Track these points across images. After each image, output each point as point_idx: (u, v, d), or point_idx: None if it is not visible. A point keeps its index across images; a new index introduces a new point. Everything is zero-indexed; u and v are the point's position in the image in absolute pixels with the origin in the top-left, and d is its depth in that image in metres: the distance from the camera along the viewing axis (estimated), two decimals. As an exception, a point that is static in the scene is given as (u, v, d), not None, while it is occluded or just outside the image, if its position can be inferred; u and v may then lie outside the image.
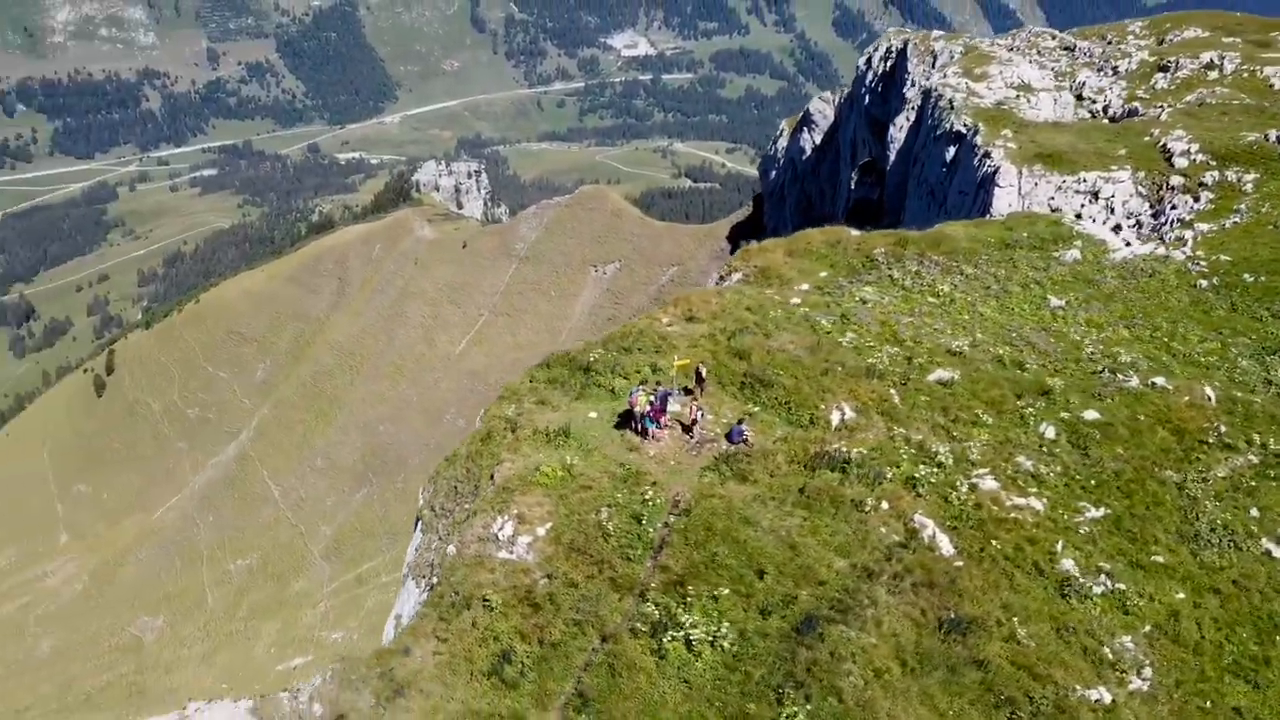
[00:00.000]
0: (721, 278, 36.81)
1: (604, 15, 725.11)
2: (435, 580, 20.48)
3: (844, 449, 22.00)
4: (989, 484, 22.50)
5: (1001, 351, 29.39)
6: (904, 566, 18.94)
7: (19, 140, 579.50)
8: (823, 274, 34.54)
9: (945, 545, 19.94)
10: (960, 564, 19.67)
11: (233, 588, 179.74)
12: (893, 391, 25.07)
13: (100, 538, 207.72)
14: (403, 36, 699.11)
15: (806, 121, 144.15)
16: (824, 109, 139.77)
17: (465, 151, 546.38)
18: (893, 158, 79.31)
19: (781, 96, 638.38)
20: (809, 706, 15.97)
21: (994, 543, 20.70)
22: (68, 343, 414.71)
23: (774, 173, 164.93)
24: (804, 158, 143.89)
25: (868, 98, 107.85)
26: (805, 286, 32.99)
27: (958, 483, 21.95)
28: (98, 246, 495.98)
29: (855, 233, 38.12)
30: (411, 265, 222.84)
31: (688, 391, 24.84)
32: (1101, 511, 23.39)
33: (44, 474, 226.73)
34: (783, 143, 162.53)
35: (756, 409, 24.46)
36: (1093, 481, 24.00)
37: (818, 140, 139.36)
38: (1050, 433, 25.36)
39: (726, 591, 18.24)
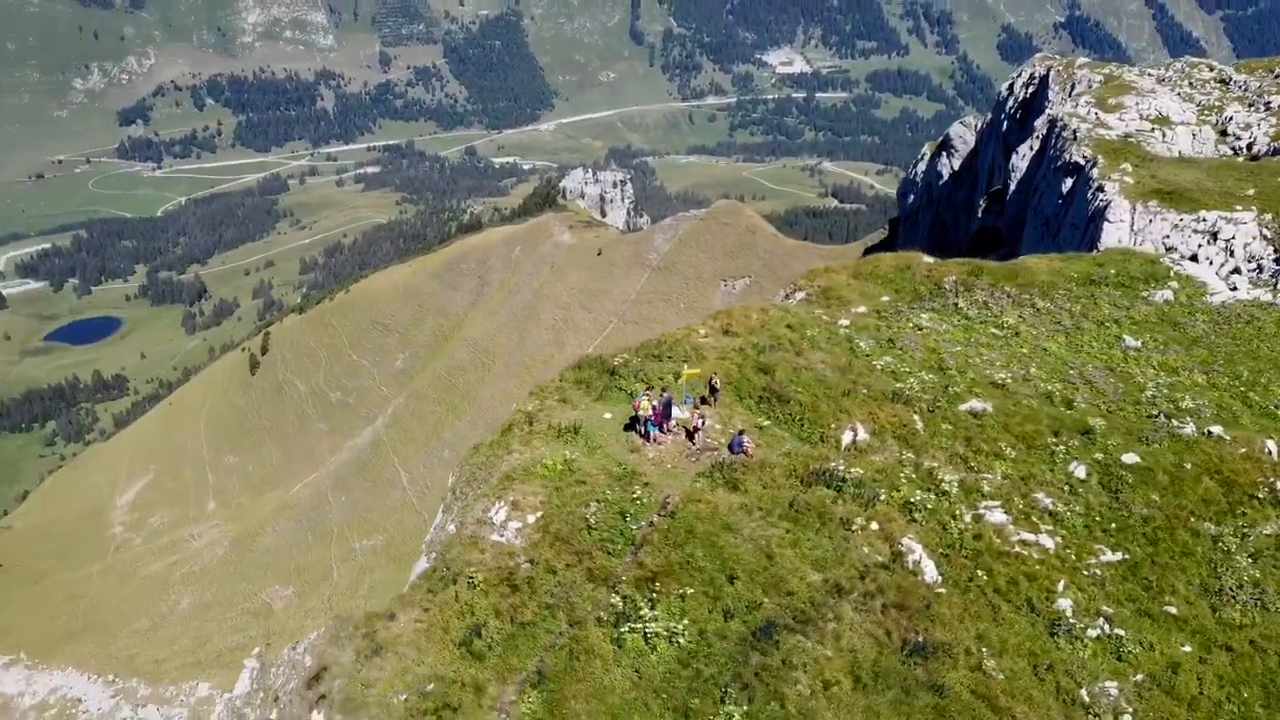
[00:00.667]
0: (786, 296, 37.20)
1: (761, 32, 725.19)
2: (435, 555, 22.00)
3: (844, 468, 22.33)
4: (996, 516, 22.40)
5: (1052, 388, 28.89)
6: (877, 586, 19.21)
7: (206, 132, 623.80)
8: (884, 298, 34.56)
9: (930, 571, 20.08)
10: (942, 590, 19.79)
11: (357, 565, 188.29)
12: (916, 417, 25.14)
13: (243, 507, 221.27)
14: (563, 46, 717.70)
15: (946, 146, 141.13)
16: (965, 134, 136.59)
17: (615, 161, 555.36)
18: (1013, 186, 77.26)
19: (938, 119, 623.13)
20: (749, 708, 16.55)
21: (985, 574, 20.68)
22: (233, 322, 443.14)
23: (911, 196, 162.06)
24: (940, 183, 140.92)
25: (1005, 124, 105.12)
26: (862, 309, 33.12)
27: (959, 512, 21.96)
28: (267, 234, 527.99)
29: (928, 259, 37.86)
30: (548, 269, 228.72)
31: (704, 401, 25.59)
32: (1119, 556, 22.91)
33: (199, 443, 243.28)
34: (922, 166, 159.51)
35: (767, 423, 24.98)
36: (1114, 525, 23.50)
37: (956, 166, 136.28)
38: (1080, 472, 24.91)
39: (693, 591, 18.98)
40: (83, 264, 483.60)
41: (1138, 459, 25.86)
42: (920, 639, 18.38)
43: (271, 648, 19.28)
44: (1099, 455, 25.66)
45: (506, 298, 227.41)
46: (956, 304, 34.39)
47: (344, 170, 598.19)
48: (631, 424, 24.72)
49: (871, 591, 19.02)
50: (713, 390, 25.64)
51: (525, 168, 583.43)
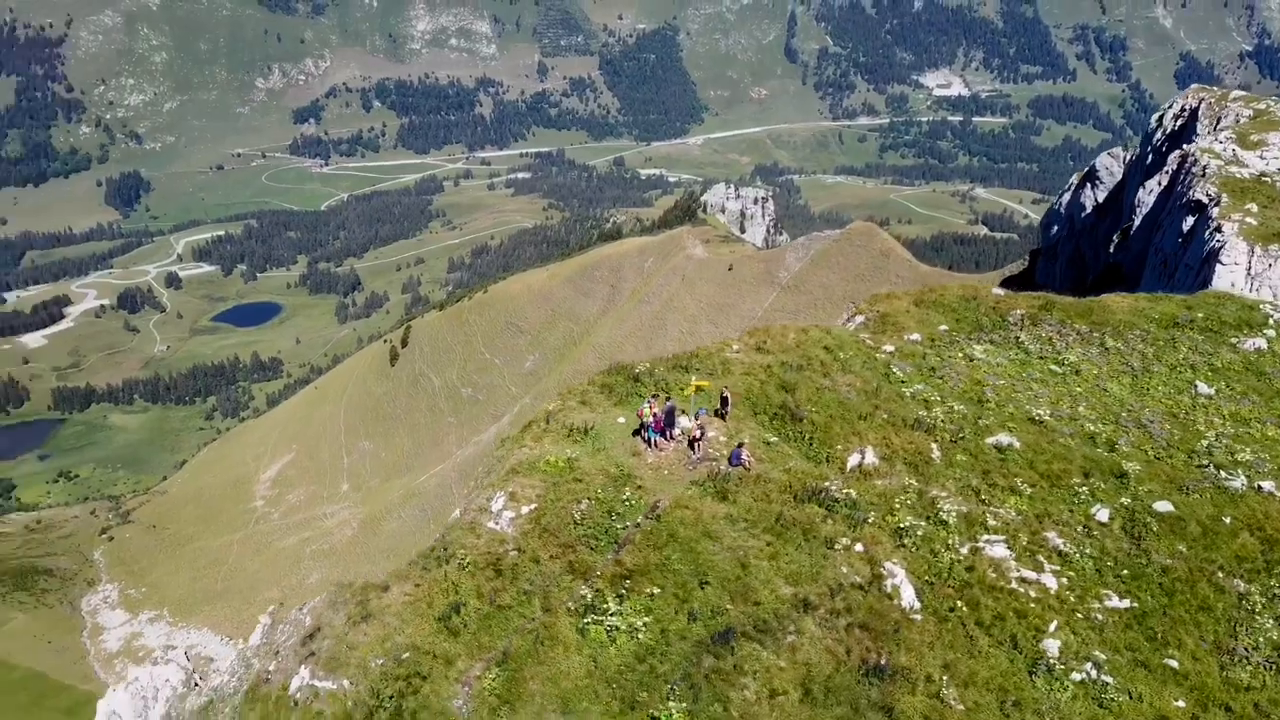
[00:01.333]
0: (847, 319, 37.23)
1: (919, 53, 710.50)
2: (438, 536, 23.49)
3: (840, 488, 22.60)
4: (997, 551, 22.26)
5: (1098, 429, 28.21)
6: (847, 605, 19.52)
7: (371, 132, 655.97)
8: (942, 327, 34.21)
9: (908, 596, 20.22)
10: (917, 617, 19.92)
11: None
12: (934, 446, 25.11)
13: (373, 491, 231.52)
14: (717, 62, 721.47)
15: (1091, 177, 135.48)
16: (1111, 165, 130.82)
17: (761, 178, 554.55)
18: (1138, 222, 74.01)
19: (1104, 148, 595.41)
20: (692, 706, 17.24)
21: (969, 606, 20.65)
22: (381, 315, 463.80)
23: (1055, 228, 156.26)
24: (1083, 215, 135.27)
25: (1150, 157, 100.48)
26: (914, 336, 32.95)
27: (954, 542, 21.94)
28: (420, 233, 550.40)
29: (998, 291, 37.21)
30: (678, 280, 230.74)
31: (717, 414, 26.21)
32: (1126, 603, 22.40)
33: (339, 427, 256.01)
34: (1067, 197, 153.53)
35: (775, 439, 25.38)
36: (1128, 572, 22.96)
37: (1100, 198, 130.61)
38: (1102, 515, 24.38)
39: (661, 592, 19.75)
40: (251, 251, 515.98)
41: (1171, 508, 25.10)
42: (881, 661, 18.63)
43: (284, 607, 21.11)
44: (1127, 500, 25.04)
45: (636, 307, 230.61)
46: (1018, 338, 33.78)
47: (496, 175, 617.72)
48: (639, 430, 25.63)
49: (839, 610, 19.35)
50: (724, 403, 26.27)
51: (671, 180, 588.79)
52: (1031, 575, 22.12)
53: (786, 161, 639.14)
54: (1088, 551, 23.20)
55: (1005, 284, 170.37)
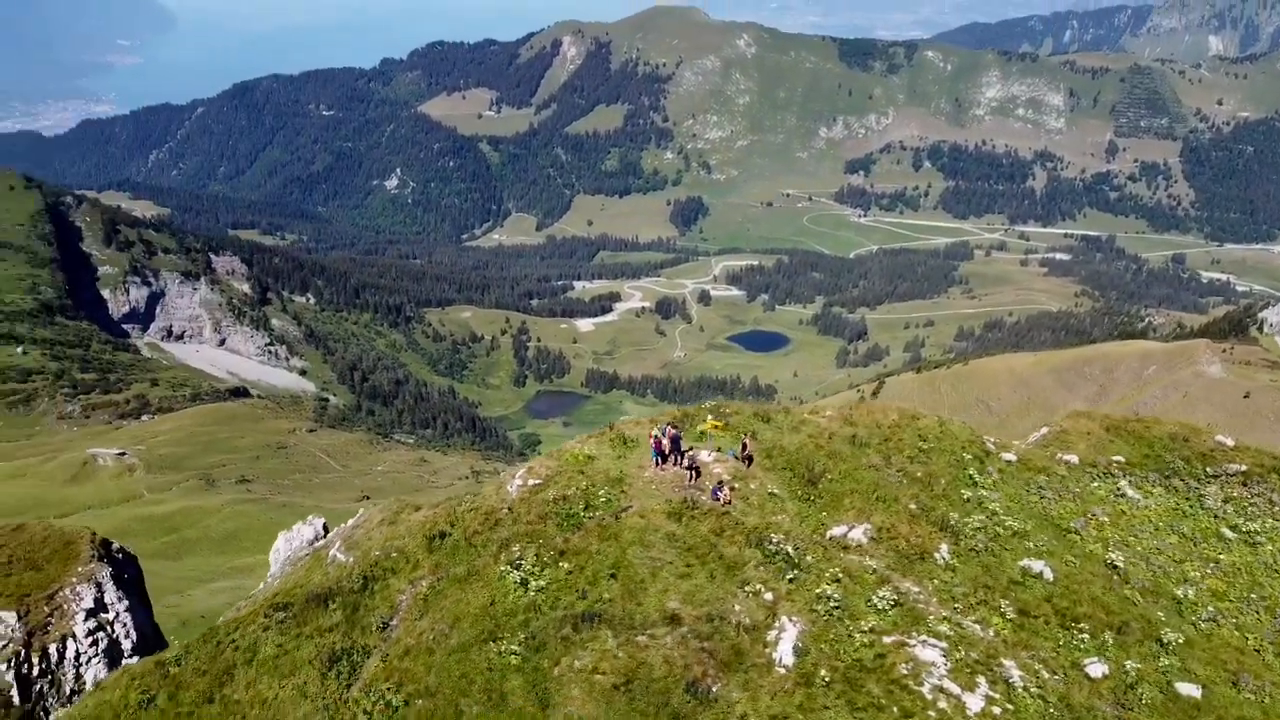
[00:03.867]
0: (1042, 432, 34.88)
1: None
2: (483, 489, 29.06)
3: (796, 547, 23.99)
4: (927, 654, 22.30)
5: (1188, 595, 25.43)
6: (712, 631, 21.66)
7: (915, 191, 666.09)
8: (1116, 457, 31.34)
9: (785, 651, 21.64)
10: (781, 670, 21.38)
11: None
12: (944, 547, 24.98)
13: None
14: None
15: None
16: None
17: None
18: None
19: None
20: (529, 655, 21.20)
21: (847, 684, 21.41)
22: (878, 367, 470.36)
23: None
24: None
25: None
26: (1069, 457, 30.87)
27: (880, 629, 22.33)
28: (937, 295, 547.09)
29: (1224, 439, 32.54)
30: (1178, 397, 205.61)
31: (741, 458, 28.29)
32: (1047, 754, 21.23)
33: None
34: None
35: (778, 491, 26.80)
36: (1078, 729, 21.51)
37: None
38: (1095, 670, 22.76)
39: (573, 570, 23.44)
40: (776, 284, 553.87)
41: (1197, 694, 22.60)
42: (711, 686, 20.70)
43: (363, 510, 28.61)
44: (1140, 665, 23.00)
45: (1118, 412, 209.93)
46: (1201, 494, 30.10)
47: (1032, 251, 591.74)
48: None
49: (702, 633, 21.54)
50: (744, 450, 28.29)
51: (1238, 289, 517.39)
52: (955, 690, 21.87)
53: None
54: (1044, 694, 22.09)
55: None
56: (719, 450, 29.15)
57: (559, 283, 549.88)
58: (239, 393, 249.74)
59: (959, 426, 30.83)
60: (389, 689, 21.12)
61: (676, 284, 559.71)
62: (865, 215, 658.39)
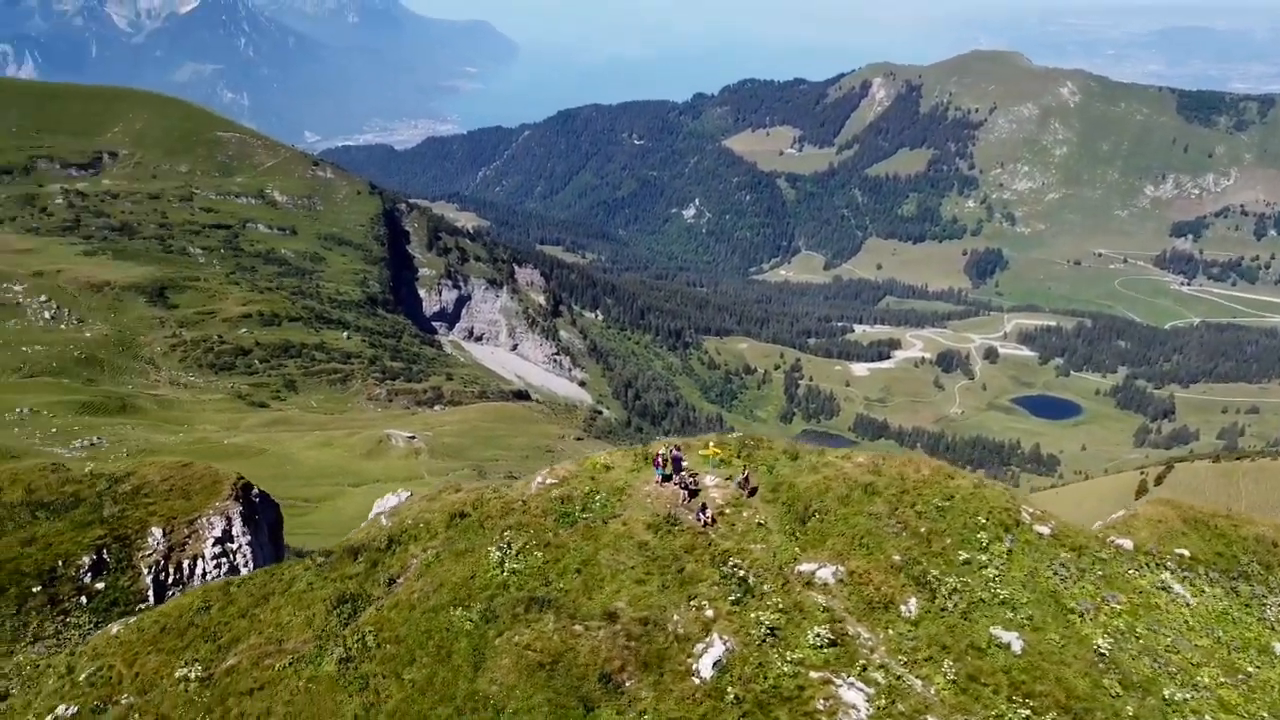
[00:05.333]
0: (1120, 516, 32.25)
1: None
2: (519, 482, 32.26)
3: (756, 575, 25.09)
4: (849, 695, 22.91)
5: (1194, 714, 23.79)
6: (641, 634, 23.50)
7: (1254, 262, 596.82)
8: (1179, 550, 28.84)
9: (707, 665, 23.03)
10: (696, 680, 22.89)
11: None
12: (913, 600, 24.98)
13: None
14: None
15: None
16: None
17: None
18: None
19: None
20: (480, 625, 24.17)
21: (755, 706, 22.57)
22: (1181, 451, 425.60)
23: None
24: None
25: None
26: (1123, 542, 28.82)
27: (812, 662, 23.12)
28: (1269, 380, 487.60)
29: None
30: None
31: (744, 487, 29.26)
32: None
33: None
34: None
35: (765, 522, 27.53)
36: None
37: None
38: (1031, 750, 22.26)
39: (546, 560, 25.99)
40: (1074, 348, 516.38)
41: (1134, 791, 21.66)
42: (624, 680, 22.42)
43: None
44: (1080, 751, 22.30)
45: None
46: (1264, 601, 27.37)
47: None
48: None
49: (632, 633, 23.36)
50: (746, 480, 29.27)
51: None
52: (864, 734, 22.47)
53: None
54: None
55: None
56: (729, 479, 30.64)
57: (839, 323, 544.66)
58: (521, 395, 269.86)
59: (995, 492, 29.80)
60: (370, 631, 24.92)
61: (963, 337, 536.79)
62: (1189, 284, 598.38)
